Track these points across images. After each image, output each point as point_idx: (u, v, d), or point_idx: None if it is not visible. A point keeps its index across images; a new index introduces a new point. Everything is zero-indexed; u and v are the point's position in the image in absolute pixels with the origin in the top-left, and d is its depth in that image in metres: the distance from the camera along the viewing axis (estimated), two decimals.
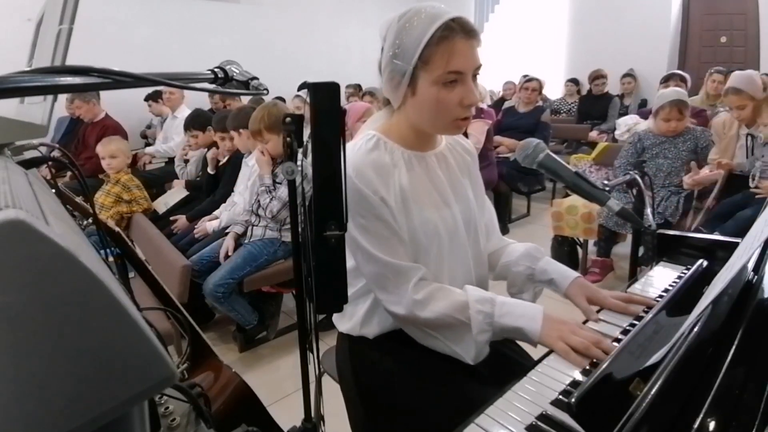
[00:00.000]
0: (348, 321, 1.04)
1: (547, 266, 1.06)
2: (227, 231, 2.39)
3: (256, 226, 2.28)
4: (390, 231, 0.92)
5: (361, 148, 0.94)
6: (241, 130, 2.55)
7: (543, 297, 1.11)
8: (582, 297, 1.00)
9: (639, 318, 0.93)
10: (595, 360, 0.79)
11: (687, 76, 3.93)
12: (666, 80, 3.88)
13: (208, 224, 2.56)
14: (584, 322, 0.94)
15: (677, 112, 2.58)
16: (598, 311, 0.98)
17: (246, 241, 2.29)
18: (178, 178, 3.37)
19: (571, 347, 0.82)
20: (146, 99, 4.64)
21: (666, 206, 2.61)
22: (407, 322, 0.95)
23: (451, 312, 0.89)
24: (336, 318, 1.08)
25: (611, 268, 2.92)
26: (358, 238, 0.91)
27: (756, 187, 2.43)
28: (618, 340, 0.85)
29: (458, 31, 0.86)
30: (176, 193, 3.11)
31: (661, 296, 1.03)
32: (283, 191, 2.16)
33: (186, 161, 3.32)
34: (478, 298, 0.90)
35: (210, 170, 2.90)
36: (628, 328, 0.91)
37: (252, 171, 2.47)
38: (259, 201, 2.28)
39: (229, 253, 2.25)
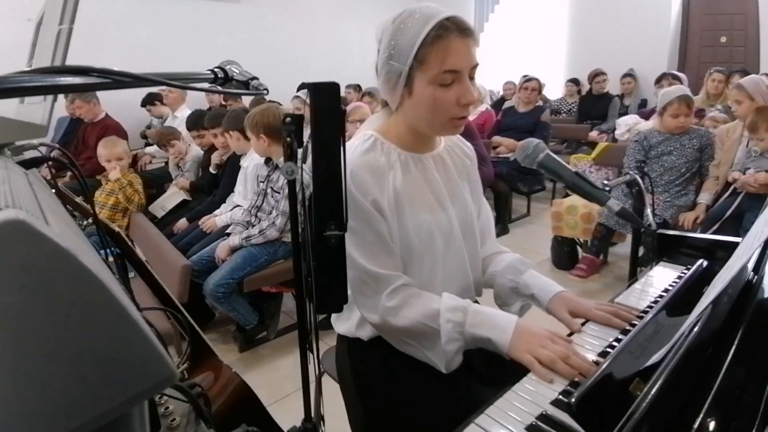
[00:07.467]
0: (345, 322, 1.04)
1: (529, 280, 1.03)
2: (228, 232, 2.40)
3: (255, 233, 2.26)
4: (376, 237, 0.91)
5: (357, 148, 0.94)
6: (231, 132, 2.58)
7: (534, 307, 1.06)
8: (564, 310, 0.96)
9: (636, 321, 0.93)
10: (561, 375, 0.77)
11: (681, 75, 3.92)
12: (659, 80, 3.89)
13: (217, 219, 2.57)
14: (569, 335, 0.91)
15: (685, 107, 2.61)
16: (583, 323, 0.94)
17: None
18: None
19: (537, 360, 0.80)
20: (143, 105, 4.62)
21: (672, 205, 2.61)
22: (381, 330, 0.95)
23: (422, 319, 0.88)
24: (334, 319, 1.08)
25: (599, 268, 2.94)
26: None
27: (734, 180, 2.50)
28: (612, 347, 0.84)
29: (453, 30, 0.86)
30: (173, 197, 3.09)
31: (660, 296, 1.03)
32: (285, 204, 2.15)
33: (178, 166, 3.29)
34: (449, 306, 0.89)
35: (212, 170, 2.91)
36: (627, 329, 0.91)
37: (247, 173, 2.48)
38: (258, 206, 2.27)
39: (221, 261, 2.24)
